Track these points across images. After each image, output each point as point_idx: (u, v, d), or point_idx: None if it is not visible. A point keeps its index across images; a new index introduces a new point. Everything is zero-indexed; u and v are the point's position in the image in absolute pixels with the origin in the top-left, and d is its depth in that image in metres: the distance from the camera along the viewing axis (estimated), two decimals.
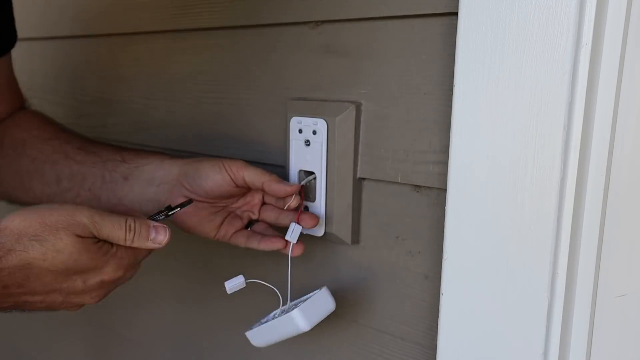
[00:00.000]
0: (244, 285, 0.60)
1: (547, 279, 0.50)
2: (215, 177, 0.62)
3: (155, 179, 0.65)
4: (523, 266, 0.51)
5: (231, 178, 0.62)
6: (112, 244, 0.53)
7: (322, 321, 0.71)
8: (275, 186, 0.61)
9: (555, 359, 0.51)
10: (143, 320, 0.99)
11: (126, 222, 0.52)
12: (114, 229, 0.52)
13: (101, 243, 0.52)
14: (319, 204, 0.65)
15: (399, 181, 0.61)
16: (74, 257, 0.50)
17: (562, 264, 0.49)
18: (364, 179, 0.64)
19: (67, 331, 1.15)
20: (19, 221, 0.49)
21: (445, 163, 0.55)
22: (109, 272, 0.53)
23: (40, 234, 0.49)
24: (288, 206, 0.62)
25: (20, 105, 0.78)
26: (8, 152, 0.72)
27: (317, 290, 0.60)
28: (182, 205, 0.59)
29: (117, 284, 0.55)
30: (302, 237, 0.69)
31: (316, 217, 0.63)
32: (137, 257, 0.55)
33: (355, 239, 0.66)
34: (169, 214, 0.59)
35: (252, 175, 0.61)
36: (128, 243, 0.53)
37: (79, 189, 0.67)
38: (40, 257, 0.49)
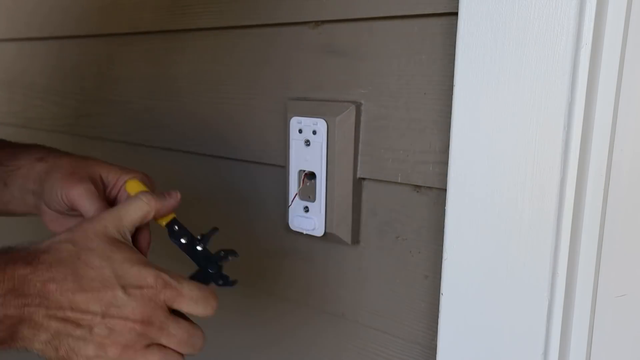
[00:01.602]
0: None
1: (547, 279, 0.50)
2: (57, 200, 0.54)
3: (27, 184, 0.58)
4: (523, 266, 0.51)
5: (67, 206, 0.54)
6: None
7: (322, 321, 0.72)
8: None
9: (555, 359, 0.51)
10: None
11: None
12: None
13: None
14: (319, 204, 0.65)
15: (399, 181, 0.61)
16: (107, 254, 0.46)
17: (562, 264, 0.49)
18: (364, 179, 0.64)
19: None
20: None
21: (445, 163, 0.55)
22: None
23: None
24: None
25: None
26: None
27: None
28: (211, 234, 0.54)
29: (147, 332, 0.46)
30: (303, 238, 0.69)
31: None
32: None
33: (355, 239, 0.66)
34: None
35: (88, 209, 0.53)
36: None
37: None
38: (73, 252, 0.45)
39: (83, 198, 0.52)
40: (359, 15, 0.61)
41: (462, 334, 0.55)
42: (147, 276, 0.46)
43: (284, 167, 0.69)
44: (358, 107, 0.63)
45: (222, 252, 0.53)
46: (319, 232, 0.66)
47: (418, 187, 0.60)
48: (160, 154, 0.88)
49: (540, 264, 0.50)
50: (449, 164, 0.54)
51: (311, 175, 0.66)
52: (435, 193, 0.59)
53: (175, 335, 0.47)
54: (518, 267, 0.51)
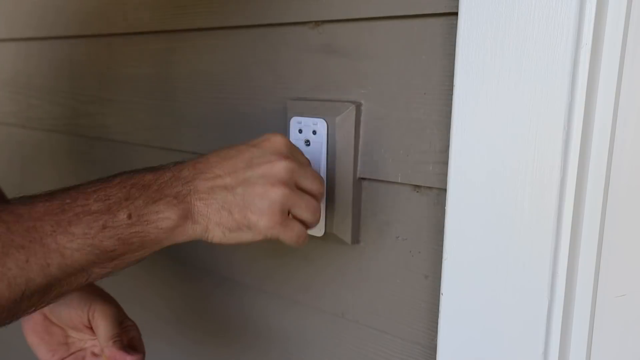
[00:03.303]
0: None
1: (547, 279, 0.50)
2: (75, 310, 0.62)
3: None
4: (523, 266, 0.51)
5: (89, 319, 0.61)
6: None
7: (322, 321, 0.72)
8: (115, 353, 0.60)
9: (555, 359, 0.51)
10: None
11: None
12: None
13: None
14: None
15: (399, 181, 0.61)
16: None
17: (562, 264, 0.50)
18: (364, 179, 0.64)
19: None
20: None
21: (445, 163, 0.55)
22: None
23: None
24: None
25: None
26: None
27: None
28: None
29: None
30: None
31: None
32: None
33: (355, 239, 0.66)
34: None
35: (101, 332, 0.60)
36: None
37: None
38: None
39: (108, 319, 0.61)
40: (359, 15, 0.61)
41: (462, 334, 0.55)
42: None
43: None
44: (358, 107, 0.63)
45: None
46: (319, 232, 0.66)
47: (418, 187, 0.60)
48: (160, 154, 0.88)
49: (540, 264, 0.50)
50: (449, 164, 0.54)
51: None
52: (435, 193, 0.59)
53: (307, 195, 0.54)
54: (518, 267, 0.51)
